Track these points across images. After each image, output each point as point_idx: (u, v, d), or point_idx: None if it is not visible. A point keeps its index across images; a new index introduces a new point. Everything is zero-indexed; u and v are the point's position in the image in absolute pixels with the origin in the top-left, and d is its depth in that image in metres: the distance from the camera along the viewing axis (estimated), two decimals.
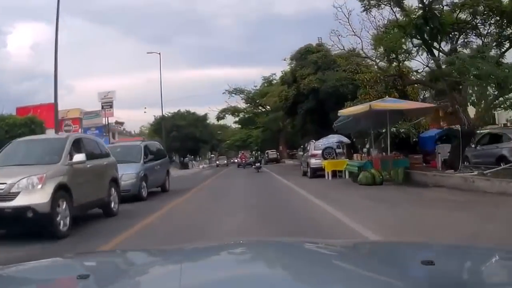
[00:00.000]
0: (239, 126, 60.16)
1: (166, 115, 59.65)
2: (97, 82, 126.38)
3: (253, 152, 56.73)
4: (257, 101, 52.95)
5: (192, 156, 78.04)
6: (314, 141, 19.23)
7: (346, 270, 1.50)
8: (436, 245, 2.18)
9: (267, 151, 51.67)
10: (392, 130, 16.74)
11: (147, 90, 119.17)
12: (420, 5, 13.33)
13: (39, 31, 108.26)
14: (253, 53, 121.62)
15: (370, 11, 14.68)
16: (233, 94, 53.60)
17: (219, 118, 53.86)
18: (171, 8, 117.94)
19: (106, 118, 53.81)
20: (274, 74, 48.39)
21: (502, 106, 12.76)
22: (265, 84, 50.77)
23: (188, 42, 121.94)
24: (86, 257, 2.09)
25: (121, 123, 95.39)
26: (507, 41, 13.28)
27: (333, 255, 1.82)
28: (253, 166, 31.88)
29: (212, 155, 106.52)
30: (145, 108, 51.96)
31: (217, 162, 57.54)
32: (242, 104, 54.88)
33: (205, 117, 58.56)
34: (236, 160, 51.32)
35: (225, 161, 56.40)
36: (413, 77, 18.20)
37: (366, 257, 1.74)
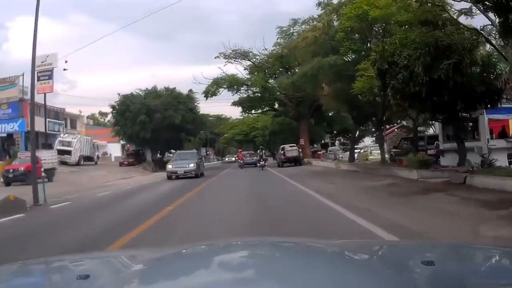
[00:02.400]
0: (240, 111, 40.93)
1: (136, 93, 41.22)
2: (100, 77, 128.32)
3: (258, 151, 47.89)
4: (266, 70, 34.39)
5: None
6: None
7: (347, 270, 1.47)
8: (436, 245, 2.22)
9: (283, 146, 33.10)
10: None
11: (150, 85, 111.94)
12: None
13: (42, 26, 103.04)
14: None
15: None
16: (231, 60, 35.08)
17: (208, 93, 35.30)
18: (174, 4, 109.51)
19: (44, 95, 35.91)
20: (299, 18, 29.80)
21: None
22: (281, 41, 32.15)
23: (192, 38, 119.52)
24: (86, 257, 2.05)
25: (105, 114, 79.31)
26: None
27: (334, 255, 1.74)
28: (258, 165, 30.17)
29: (208, 152, 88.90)
30: (66, 61, 30.57)
31: (171, 167, 24.15)
32: (245, 75, 36.15)
33: (190, 96, 39.92)
34: (231, 159, 42.31)
35: (192, 165, 23.12)
36: None
37: (367, 257, 1.72)
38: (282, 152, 32.04)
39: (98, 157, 46.46)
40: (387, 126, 56.91)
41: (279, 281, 1.30)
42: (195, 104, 41.78)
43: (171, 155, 53.10)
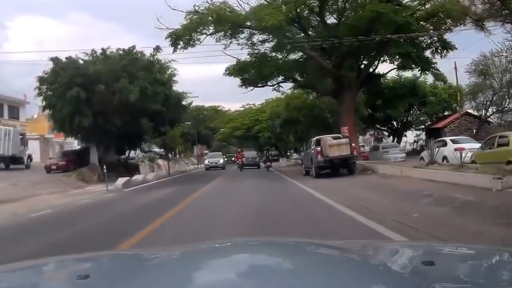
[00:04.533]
0: (239, 84, 24.77)
1: (77, 58, 25.67)
2: None
3: (265, 151, 43.16)
4: (284, 6, 18.88)
5: (163, 151, 43.85)
6: None
7: (347, 270, 1.43)
8: (436, 245, 2.26)
9: (318, 138, 17.47)
10: None
11: None
12: None
13: (43, 26, 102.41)
14: None
15: None
16: None
17: (178, 40, 19.44)
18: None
19: None
20: None
21: None
22: None
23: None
24: (86, 257, 1.95)
25: None
26: None
27: (334, 255, 1.71)
28: (264, 166, 28.72)
29: (206, 151, 74.07)
30: None
31: None
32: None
33: (158, 61, 24.75)
34: (217, 161, 34.82)
35: None
36: None
37: (367, 257, 1.68)
38: (318, 149, 16.53)
39: (30, 157, 31.27)
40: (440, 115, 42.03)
41: (279, 282, 1.26)
42: (169, 72, 26.55)
43: (136, 154, 38.00)
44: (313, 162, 16.95)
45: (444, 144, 17.76)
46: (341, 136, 17.87)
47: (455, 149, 17.06)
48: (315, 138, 17.92)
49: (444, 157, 16.96)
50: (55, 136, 46.39)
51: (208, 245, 2.05)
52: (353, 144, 17.23)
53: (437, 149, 15.45)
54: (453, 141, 17.84)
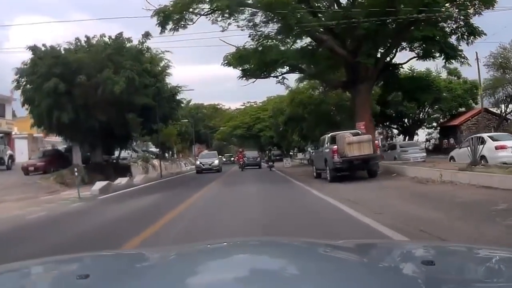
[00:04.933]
0: (239, 76, 21.97)
1: (59, 47, 22.87)
2: None
3: (267, 151, 42.04)
4: None
5: (159, 150, 40.87)
6: None
7: (347, 270, 1.43)
8: (436, 245, 2.20)
9: (333, 134, 14.63)
10: None
11: None
12: None
13: (43, 26, 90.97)
14: None
15: None
16: None
17: (167, 20, 16.74)
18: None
19: None
20: None
21: None
22: None
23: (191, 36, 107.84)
24: (86, 257, 1.95)
25: None
26: None
27: (333, 255, 1.69)
28: (266, 165, 29.49)
29: (206, 151, 71.36)
30: None
31: None
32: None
33: (143, 49, 22.14)
34: (212, 162, 30.14)
35: None
36: None
37: (367, 257, 1.66)
38: (334, 147, 13.80)
39: (11, 158, 28.61)
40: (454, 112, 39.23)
41: (280, 282, 1.27)
42: (162, 65, 23.93)
43: (129, 154, 35.31)
44: (328, 163, 14.21)
45: (482, 141, 15.07)
46: (360, 132, 15.13)
47: (496, 147, 14.48)
48: (329, 135, 15.16)
49: (482, 157, 14.31)
50: (43, 135, 43.77)
51: (212, 245, 1.99)
52: (376, 141, 14.56)
53: (480, 147, 12.74)
54: (492, 138, 15.15)
